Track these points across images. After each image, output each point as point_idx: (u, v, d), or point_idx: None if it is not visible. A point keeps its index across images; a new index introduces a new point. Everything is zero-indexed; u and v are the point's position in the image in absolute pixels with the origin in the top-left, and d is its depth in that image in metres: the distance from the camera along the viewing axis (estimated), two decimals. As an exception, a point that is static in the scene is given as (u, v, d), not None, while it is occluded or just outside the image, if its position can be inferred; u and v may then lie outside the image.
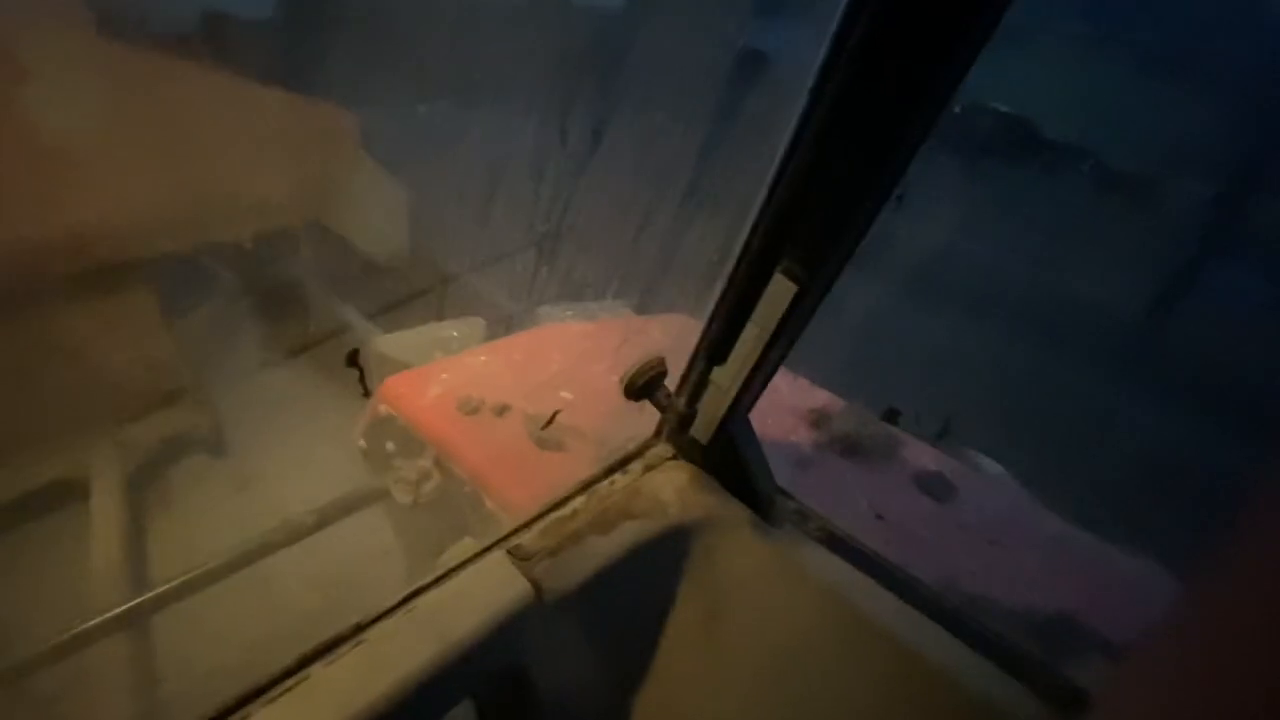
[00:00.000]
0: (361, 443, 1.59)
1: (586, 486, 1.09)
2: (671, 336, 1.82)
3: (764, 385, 1.00)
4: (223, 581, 1.50)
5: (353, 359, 1.34)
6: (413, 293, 2.60)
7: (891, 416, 1.49)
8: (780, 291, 0.77)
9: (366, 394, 1.34)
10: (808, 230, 0.73)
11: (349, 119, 2.63)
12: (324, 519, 1.47)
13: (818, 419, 1.43)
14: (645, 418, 1.22)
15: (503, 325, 2.32)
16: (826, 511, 1.17)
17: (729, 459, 1.10)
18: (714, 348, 0.82)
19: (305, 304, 2.87)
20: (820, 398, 1.53)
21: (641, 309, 2.44)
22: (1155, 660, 0.36)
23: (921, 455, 1.46)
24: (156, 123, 2.05)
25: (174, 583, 1.49)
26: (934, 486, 1.36)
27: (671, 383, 1.10)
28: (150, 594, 1.51)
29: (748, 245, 0.80)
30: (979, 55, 0.63)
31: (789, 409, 1.47)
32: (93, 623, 1.50)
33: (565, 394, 1.47)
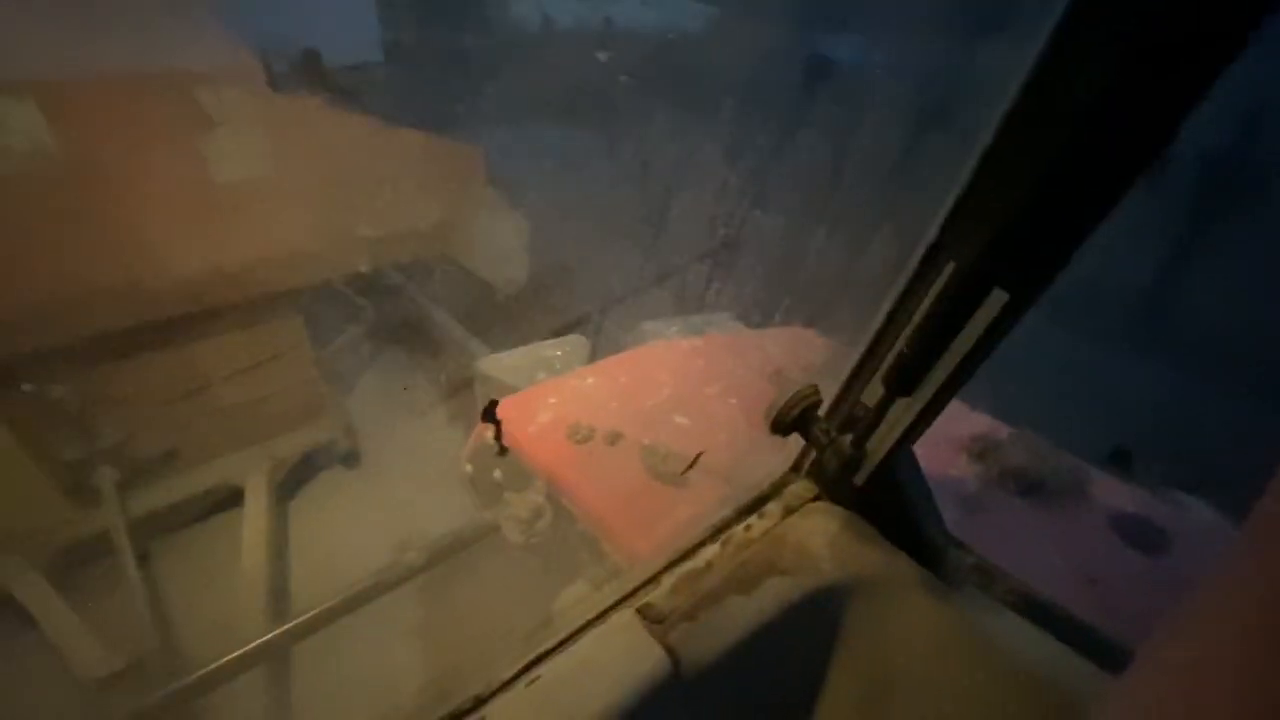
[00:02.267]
0: (468, 468, 1.53)
1: (718, 532, 0.95)
2: (790, 350, 1.65)
3: (938, 415, 0.82)
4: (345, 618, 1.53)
5: (490, 411, 1.27)
6: (566, 324, 2.64)
7: (1123, 459, 1.21)
8: (993, 308, 0.60)
9: (502, 451, 1.27)
10: (1030, 237, 0.56)
11: (476, 156, 2.76)
12: (435, 557, 1.43)
13: (982, 449, 1.20)
14: (773, 445, 1.06)
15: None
16: (1007, 564, 0.96)
17: (889, 502, 0.92)
18: (902, 374, 0.66)
19: (434, 330, 3.02)
20: (981, 423, 1.30)
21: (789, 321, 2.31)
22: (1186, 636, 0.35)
23: (1117, 494, 1.19)
24: (309, 166, 2.26)
25: (302, 618, 1.54)
26: (1142, 535, 1.10)
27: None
28: (282, 629, 1.57)
29: (935, 252, 0.63)
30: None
31: (944, 436, 1.26)
32: (233, 655, 1.61)
33: (680, 419, 1.34)
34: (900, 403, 0.73)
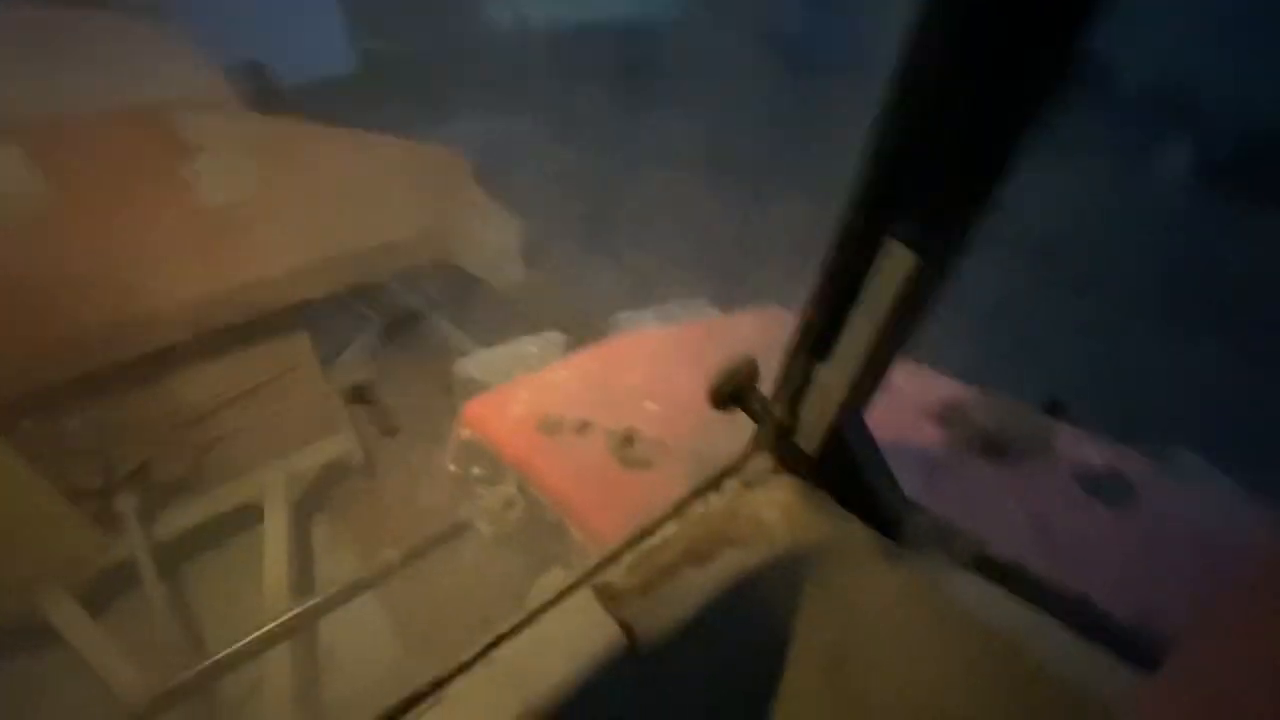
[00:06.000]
0: (452, 467, 1.56)
1: (678, 509, 0.96)
2: (764, 332, 1.66)
3: (879, 380, 0.83)
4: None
5: (360, 395, 1.30)
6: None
7: (1056, 409, 1.22)
8: (895, 264, 0.61)
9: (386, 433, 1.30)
10: (930, 183, 0.57)
11: (459, 158, 2.75)
12: (412, 555, 1.46)
13: (949, 414, 1.21)
14: (743, 428, 1.08)
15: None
16: (970, 526, 0.97)
17: (843, 470, 0.93)
18: (814, 340, 0.67)
19: (435, 334, 3.07)
20: (949, 388, 1.31)
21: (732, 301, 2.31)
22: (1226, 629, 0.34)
23: (1085, 449, 1.19)
24: (294, 183, 2.28)
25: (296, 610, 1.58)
26: (1107, 488, 1.10)
27: (766, 385, 0.95)
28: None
29: (848, 212, 0.64)
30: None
31: (911, 404, 1.26)
32: (253, 636, 1.69)
33: (650, 405, 1.36)
34: (828, 369, 0.75)
